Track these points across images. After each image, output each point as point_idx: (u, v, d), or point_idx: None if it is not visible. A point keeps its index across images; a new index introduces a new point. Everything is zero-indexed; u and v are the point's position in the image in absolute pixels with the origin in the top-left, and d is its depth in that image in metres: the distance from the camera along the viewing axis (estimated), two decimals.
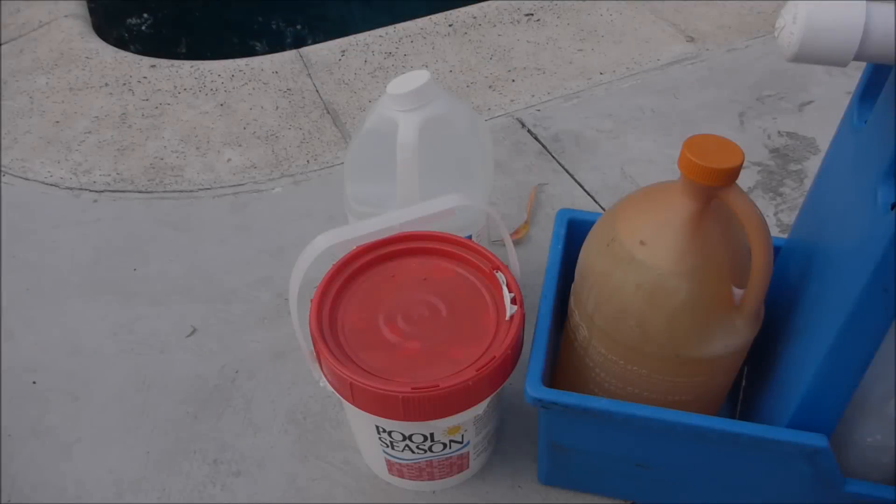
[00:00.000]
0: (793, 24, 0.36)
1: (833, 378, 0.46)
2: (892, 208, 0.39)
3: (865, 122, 0.46)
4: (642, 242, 0.48)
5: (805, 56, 0.36)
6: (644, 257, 0.48)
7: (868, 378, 0.45)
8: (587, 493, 0.62)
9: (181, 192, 0.92)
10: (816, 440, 0.48)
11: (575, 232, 0.62)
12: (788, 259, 0.55)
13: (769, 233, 0.46)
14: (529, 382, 0.52)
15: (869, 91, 0.47)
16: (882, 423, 0.48)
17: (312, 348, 0.54)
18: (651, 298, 0.48)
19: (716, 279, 0.47)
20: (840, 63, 0.36)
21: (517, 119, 1.01)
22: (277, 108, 1.05)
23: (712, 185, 0.45)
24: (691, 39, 1.15)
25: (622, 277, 0.49)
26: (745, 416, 0.59)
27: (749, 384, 0.60)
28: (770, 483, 0.53)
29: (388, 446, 0.57)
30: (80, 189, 0.93)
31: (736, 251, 0.48)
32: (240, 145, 0.98)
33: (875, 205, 0.40)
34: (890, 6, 0.35)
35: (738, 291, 0.48)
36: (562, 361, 0.61)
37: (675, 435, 0.51)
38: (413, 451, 0.56)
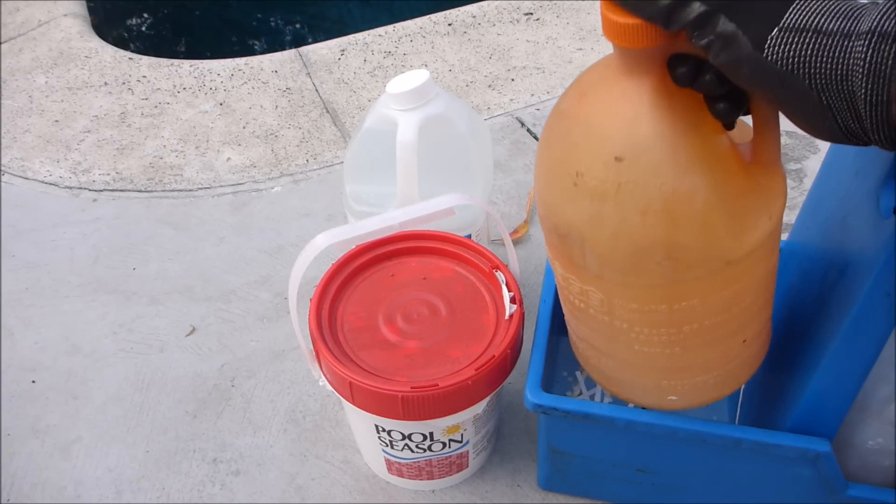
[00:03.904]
0: None
1: (835, 382, 0.45)
2: (894, 213, 0.39)
3: None
4: (618, 159, 0.38)
5: None
6: (632, 175, 0.38)
7: (870, 382, 0.45)
8: (587, 497, 0.62)
9: (180, 191, 0.92)
10: (818, 444, 0.48)
11: None
12: (788, 261, 0.55)
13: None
14: (529, 388, 0.51)
15: None
16: (884, 426, 0.48)
17: (312, 347, 0.54)
18: (670, 215, 0.38)
19: (716, 148, 0.39)
20: None
21: (517, 118, 1.01)
22: (277, 107, 1.04)
23: (658, 42, 0.35)
24: None
25: (618, 212, 0.38)
26: (747, 421, 0.59)
27: (750, 389, 0.60)
28: (772, 487, 0.53)
29: (387, 445, 0.56)
30: (80, 188, 0.93)
31: None
32: (239, 144, 0.98)
33: (877, 209, 0.40)
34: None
35: (744, 145, 0.40)
36: (581, 344, 0.51)
37: (677, 440, 0.50)
38: (412, 451, 0.56)
